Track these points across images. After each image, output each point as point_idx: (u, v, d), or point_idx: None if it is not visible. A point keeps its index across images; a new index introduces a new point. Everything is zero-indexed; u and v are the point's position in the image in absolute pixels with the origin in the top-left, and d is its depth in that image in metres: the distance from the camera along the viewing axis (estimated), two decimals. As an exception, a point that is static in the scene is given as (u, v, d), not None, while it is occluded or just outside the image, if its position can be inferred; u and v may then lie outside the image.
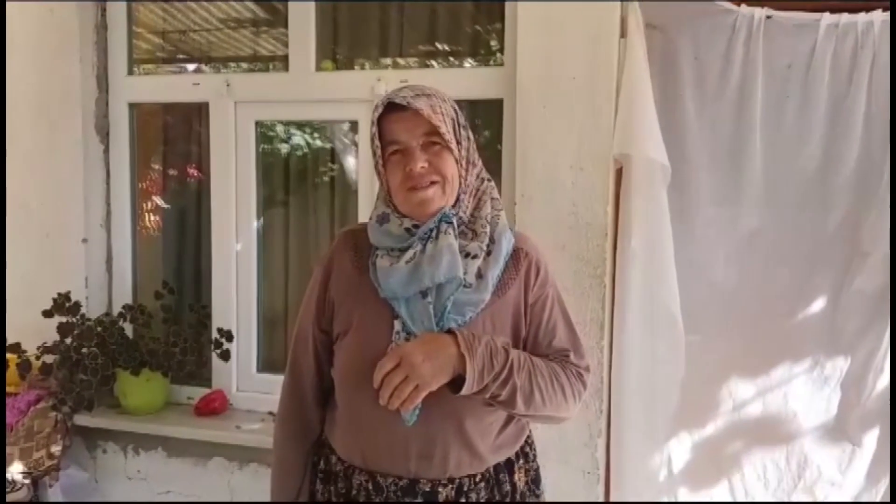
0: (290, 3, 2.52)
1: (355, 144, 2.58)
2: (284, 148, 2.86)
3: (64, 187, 2.60)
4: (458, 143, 1.38)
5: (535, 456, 1.53)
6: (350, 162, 2.69)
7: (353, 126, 2.58)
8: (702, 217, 2.15)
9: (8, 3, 2.56)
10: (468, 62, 2.64)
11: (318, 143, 2.84)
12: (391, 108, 1.35)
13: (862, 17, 2.01)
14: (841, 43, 2.02)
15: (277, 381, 2.46)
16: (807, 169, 2.07)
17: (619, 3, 2.08)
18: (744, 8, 2.06)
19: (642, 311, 2.14)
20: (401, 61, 2.69)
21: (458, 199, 1.40)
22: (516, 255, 1.44)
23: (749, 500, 2.21)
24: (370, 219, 1.45)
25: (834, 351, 2.13)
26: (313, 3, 2.51)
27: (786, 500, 2.19)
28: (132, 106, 2.70)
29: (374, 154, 1.40)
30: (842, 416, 2.15)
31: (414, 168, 1.34)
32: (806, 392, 2.16)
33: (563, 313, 1.49)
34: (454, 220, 1.37)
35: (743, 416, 2.20)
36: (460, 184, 1.39)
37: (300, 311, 1.53)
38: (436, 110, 1.34)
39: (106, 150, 2.68)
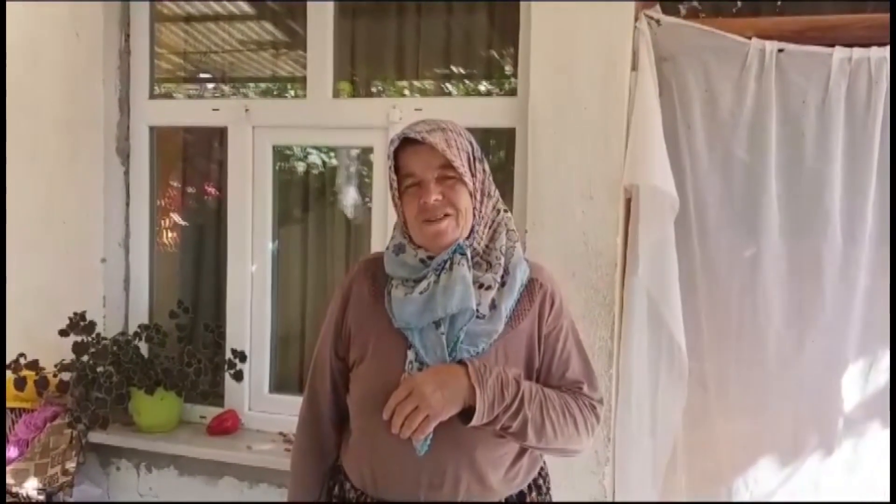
0: (308, 28, 2.57)
1: (368, 168, 2.61)
2: (301, 167, 2.91)
3: (85, 207, 2.65)
4: (473, 175, 1.41)
5: (548, 488, 1.54)
6: (363, 185, 2.74)
7: (368, 151, 2.62)
8: (714, 247, 2.15)
9: (37, 28, 2.64)
10: (483, 85, 2.68)
11: (335, 161, 2.89)
12: (407, 142, 1.39)
13: (874, 51, 2.02)
14: (854, 78, 2.03)
15: (289, 401, 2.56)
16: (826, 203, 2.07)
17: (630, 35, 2.12)
18: (755, 41, 2.07)
19: (648, 339, 2.16)
20: (417, 83, 2.74)
21: (472, 231, 1.42)
22: (531, 285, 1.46)
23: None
24: (386, 248, 1.48)
25: (853, 380, 2.12)
26: (331, 29, 2.56)
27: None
28: (153, 129, 2.76)
29: (391, 186, 1.43)
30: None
31: (428, 201, 1.37)
32: (822, 422, 2.15)
33: (577, 345, 1.51)
34: (468, 252, 1.40)
35: (755, 445, 2.20)
36: (475, 215, 1.42)
37: (319, 337, 1.56)
38: (450, 144, 1.37)
39: (126, 172, 2.73)
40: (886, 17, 2.02)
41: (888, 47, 2.01)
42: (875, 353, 2.09)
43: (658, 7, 2.18)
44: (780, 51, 2.07)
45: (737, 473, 2.20)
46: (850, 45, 2.04)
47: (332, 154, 2.87)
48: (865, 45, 2.03)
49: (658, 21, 2.13)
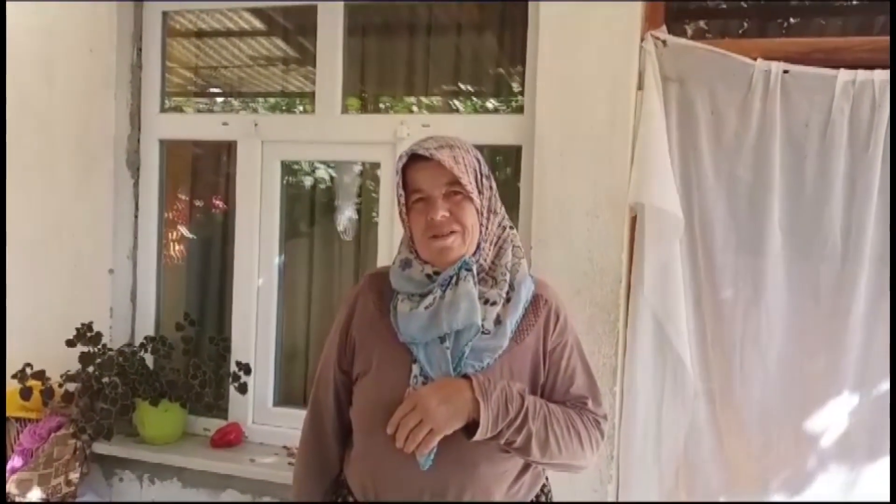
0: (318, 44, 2.60)
1: (376, 184, 2.64)
2: (308, 182, 2.93)
3: (94, 219, 2.68)
4: (480, 192, 1.42)
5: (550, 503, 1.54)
6: (367, 201, 2.76)
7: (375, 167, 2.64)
8: (720, 267, 2.15)
9: (51, 42, 2.68)
10: (490, 103, 2.70)
11: (344, 177, 2.91)
12: (415, 158, 1.40)
13: (878, 73, 2.03)
14: (858, 100, 2.03)
15: (293, 414, 2.57)
16: (826, 225, 2.08)
17: (636, 55, 2.14)
18: (760, 62, 2.09)
19: (653, 357, 2.16)
20: (425, 100, 2.77)
21: (478, 247, 1.43)
22: (536, 301, 1.47)
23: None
24: (393, 263, 1.49)
25: (851, 398, 2.11)
26: (341, 46, 2.58)
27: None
28: (163, 142, 2.79)
29: (399, 201, 1.44)
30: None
31: (435, 217, 1.38)
32: (826, 442, 2.14)
33: (581, 361, 1.51)
34: (474, 268, 1.41)
35: (758, 461, 2.19)
36: (481, 232, 1.43)
37: (323, 350, 1.57)
38: (458, 161, 1.38)
39: (136, 184, 2.76)
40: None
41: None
42: (875, 371, 2.08)
43: (664, 27, 2.19)
44: (786, 72, 2.08)
45: (740, 489, 2.19)
46: (855, 67, 2.04)
47: (339, 169, 2.89)
48: (870, 67, 2.04)
49: (664, 42, 2.15)
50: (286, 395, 2.74)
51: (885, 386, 2.09)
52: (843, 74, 2.04)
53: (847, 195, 2.07)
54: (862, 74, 2.04)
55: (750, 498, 2.19)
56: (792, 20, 2.54)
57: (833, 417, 2.12)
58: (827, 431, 2.13)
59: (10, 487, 2.42)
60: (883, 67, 2.02)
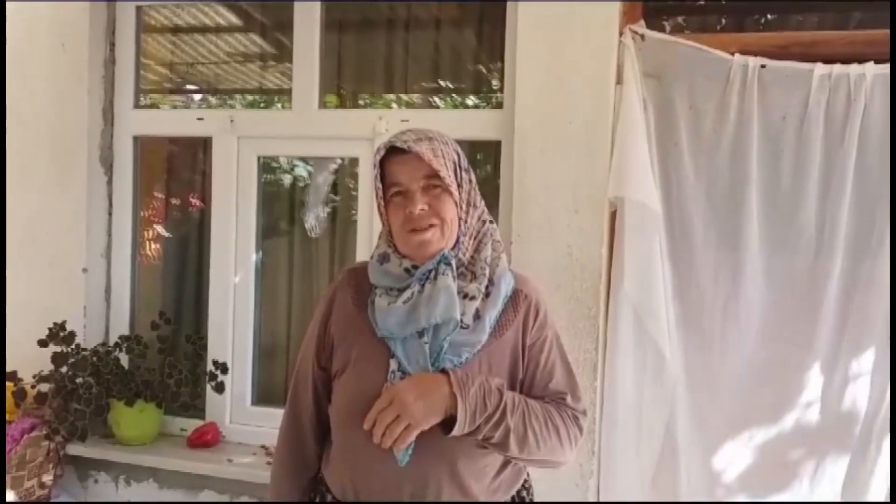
0: (295, 40, 2.58)
1: (355, 181, 2.62)
2: (286, 179, 2.91)
3: (67, 216, 2.63)
4: (459, 185, 1.41)
5: (531, 501, 1.53)
6: (348, 198, 2.74)
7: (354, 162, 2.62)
8: (699, 261, 2.16)
9: (22, 38, 2.63)
10: (470, 99, 2.69)
11: (316, 175, 2.88)
12: (394, 151, 1.38)
13: (854, 68, 2.04)
14: (834, 94, 2.05)
15: (271, 413, 2.54)
16: (802, 218, 2.09)
17: (615, 49, 2.14)
18: (738, 57, 2.09)
19: (633, 352, 2.16)
20: (404, 97, 2.75)
21: (457, 241, 1.42)
22: (516, 296, 1.46)
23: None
24: (371, 258, 1.47)
25: (833, 395, 2.12)
26: (318, 41, 2.56)
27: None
28: (137, 139, 2.74)
29: (377, 195, 1.42)
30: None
31: (413, 210, 1.36)
32: (803, 439, 2.15)
33: (561, 356, 1.50)
34: (453, 262, 1.39)
35: (737, 462, 2.20)
36: (460, 226, 1.42)
37: (302, 347, 1.55)
38: (437, 154, 1.37)
39: (109, 182, 2.72)
40: (867, 33, 2.07)
41: (868, 65, 2.03)
42: (847, 360, 2.10)
43: (643, 23, 2.19)
44: (763, 66, 2.08)
45: (724, 484, 2.20)
46: (832, 61, 2.06)
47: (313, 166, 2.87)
48: (846, 61, 2.05)
49: (642, 36, 2.15)
50: (264, 394, 2.71)
51: (857, 374, 2.11)
52: (820, 69, 2.05)
53: (822, 188, 2.08)
54: (838, 69, 2.05)
55: (734, 491, 2.20)
56: (769, 16, 2.56)
57: (808, 405, 2.14)
58: (803, 418, 2.15)
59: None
60: (859, 61, 2.04)
